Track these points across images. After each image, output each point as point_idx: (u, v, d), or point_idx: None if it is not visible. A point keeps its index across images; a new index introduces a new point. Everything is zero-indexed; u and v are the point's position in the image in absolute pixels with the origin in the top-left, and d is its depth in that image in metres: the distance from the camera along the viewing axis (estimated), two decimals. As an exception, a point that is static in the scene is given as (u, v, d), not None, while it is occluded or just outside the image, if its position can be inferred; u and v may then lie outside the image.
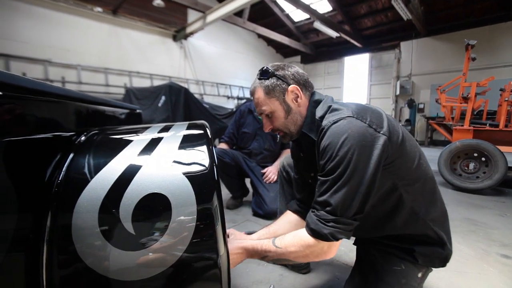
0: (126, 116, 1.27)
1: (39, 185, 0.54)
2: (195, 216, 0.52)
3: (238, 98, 8.72)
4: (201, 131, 0.69)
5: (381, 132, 0.67)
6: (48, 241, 0.49)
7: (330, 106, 0.76)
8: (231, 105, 7.97)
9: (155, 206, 0.53)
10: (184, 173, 0.56)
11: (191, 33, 7.07)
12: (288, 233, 0.76)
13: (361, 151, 0.65)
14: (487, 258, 1.35)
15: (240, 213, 2.00)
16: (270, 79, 0.81)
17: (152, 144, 0.62)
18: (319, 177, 0.71)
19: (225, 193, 2.23)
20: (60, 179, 0.55)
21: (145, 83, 6.46)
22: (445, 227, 0.80)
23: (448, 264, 1.24)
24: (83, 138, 0.69)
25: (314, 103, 0.83)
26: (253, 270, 1.23)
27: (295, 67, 0.85)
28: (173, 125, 0.73)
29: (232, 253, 0.75)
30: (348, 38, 8.07)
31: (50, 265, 0.48)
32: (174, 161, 0.58)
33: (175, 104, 2.71)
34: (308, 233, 0.69)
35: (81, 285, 0.49)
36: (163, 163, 0.58)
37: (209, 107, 3.27)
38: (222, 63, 8.62)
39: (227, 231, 0.91)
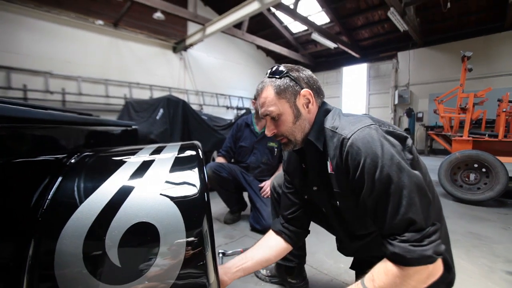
0: (121, 133, 1.26)
1: (24, 210, 0.52)
2: (184, 245, 0.50)
3: (238, 108, 8.76)
4: (193, 153, 0.68)
5: (407, 136, 0.68)
6: (30, 271, 0.47)
7: (341, 116, 0.73)
8: (230, 115, 8.01)
9: (143, 236, 0.51)
10: (173, 199, 0.54)
11: (191, 45, 7.16)
12: (372, 271, 0.63)
13: (402, 155, 0.62)
14: (492, 275, 1.31)
15: (238, 228, 1.96)
16: (283, 78, 0.74)
17: (142, 169, 0.61)
18: (368, 198, 0.63)
19: (223, 207, 2.20)
20: (45, 206, 0.54)
21: (145, 94, 6.51)
22: (449, 248, 0.77)
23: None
24: (73, 160, 0.67)
25: (324, 112, 0.77)
26: (250, 291, 1.19)
27: (309, 71, 0.79)
28: (165, 146, 0.72)
29: None
30: (346, 49, 8.19)
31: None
32: (164, 187, 0.56)
33: (173, 116, 2.71)
34: (404, 265, 0.58)
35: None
36: (152, 189, 0.56)
37: (208, 119, 3.27)
38: (221, 74, 8.70)
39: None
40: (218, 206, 2.36)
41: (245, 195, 2.11)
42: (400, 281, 0.58)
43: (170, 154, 0.67)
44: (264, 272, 1.27)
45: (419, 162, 0.70)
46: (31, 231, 0.50)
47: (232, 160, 2.18)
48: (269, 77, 0.77)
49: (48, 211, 0.53)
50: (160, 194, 0.55)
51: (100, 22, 5.79)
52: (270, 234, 0.97)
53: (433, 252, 0.56)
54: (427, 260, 0.56)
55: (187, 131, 2.73)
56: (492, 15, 6.43)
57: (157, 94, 6.44)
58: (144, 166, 0.61)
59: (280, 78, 0.75)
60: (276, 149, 2.01)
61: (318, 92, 0.79)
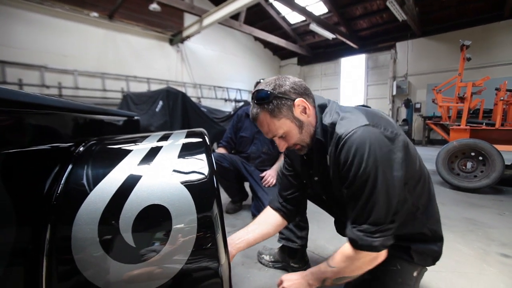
0: (124, 123, 1.27)
1: (38, 197, 0.54)
2: (196, 226, 0.52)
3: (236, 101, 8.74)
4: (200, 139, 0.69)
5: (398, 133, 0.71)
6: (48, 254, 0.49)
7: (338, 113, 0.76)
8: (228, 108, 7.99)
9: (155, 218, 0.53)
10: (183, 183, 0.56)
11: (188, 37, 7.08)
12: (337, 251, 0.77)
13: (386, 157, 0.67)
14: (486, 257, 1.36)
15: (240, 217, 1.99)
16: (273, 101, 0.75)
17: (151, 154, 0.62)
18: (348, 191, 0.72)
19: (224, 197, 2.23)
20: (59, 191, 0.55)
21: (142, 87, 6.46)
22: (438, 224, 0.83)
23: (447, 265, 1.26)
24: (81, 148, 0.68)
25: (319, 108, 0.81)
26: (254, 275, 1.22)
27: (290, 78, 0.80)
28: (172, 133, 0.74)
29: (291, 285, 0.81)
30: (344, 40, 8.13)
31: (49, 278, 0.48)
32: (174, 171, 0.58)
33: (173, 108, 2.70)
34: (356, 248, 0.70)
35: (82, 298, 0.49)
36: (163, 173, 0.57)
37: (207, 111, 3.26)
38: (219, 66, 8.64)
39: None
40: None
41: (246, 185, 2.14)
42: (350, 260, 0.72)
43: (177, 140, 0.69)
44: (267, 258, 1.30)
45: (409, 155, 0.74)
46: (47, 216, 0.52)
47: (233, 151, 2.20)
48: (258, 104, 0.77)
49: (62, 197, 0.54)
50: (171, 178, 0.57)
51: (95, 14, 5.69)
52: (269, 210, 1.03)
53: (381, 244, 0.68)
54: (373, 249, 0.68)
55: (187, 123, 2.73)
56: (490, 4, 6.39)
57: (155, 87, 6.39)
58: (153, 152, 0.63)
59: (269, 102, 0.75)
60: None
61: (307, 93, 0.80)
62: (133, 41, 6.49)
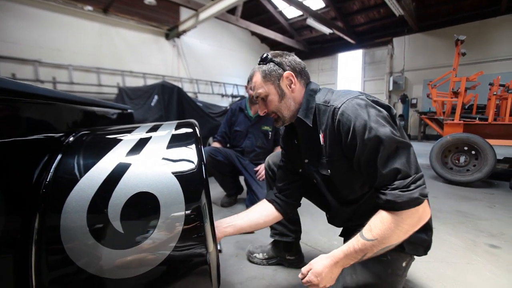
0: (117, 116, 1.26)
1: (26, 186, 0.54)
2: (184, 214, 0.53)
3: (233, 96, 8.70)
4: (190, 130, 0.70)
5: (389, 104, 0.76)
6: (37, 242, 0.50)
7: (332, 92, 0.82)
8: (225, 103, 7.96)
9: (144, 205, 0.53)
10: (172, 172, 0.57)
11: (184, 31, 7.01)
12: (369, 223, 0.70)
13: (386, 117, 0.71)
14: (475, 248, 1.39)
15: (235, 211, 2.01)
16: (267, 64, 0.85)
17: (141, 144, 0.62)
18: (360, 157, 0.70)
19: (220, 191, 2.24)
20: (48, 180, 0.55)
21: (138, 82, 6.41)
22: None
23: (437, 255, 1.29)
24: (71, 139, 0.69)
25: (311, 91, 0.86)
26: (247, 267, 1.24)
27: (293, 56, 0.88)
28: (161, 124, 0.74)
29: (319, 270, 0.74)
30: (341, 35, 8.10)
31: (39, 266, 0.49)
32: (163, 160, 0.58)
33: (168, 103, 2.69)
34: (396, 210, 0.65)
35: (71, 285, 0.50)
36: (152, 162, 0.58)
37: (203, 106, 3.25)
38: (215, 61, 8.58)
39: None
40: (215, 190, 2.40)
41: (241, 179, 2.15)
42: (394, 225, 0.66)
43: (167, 130, 0.69)
44: (260, 256, 1.27)
45: (401, 130, 0.76)
46: (35, 204, 0.52)
47: (228, 145, 2.20)
48: (258, 64, 0.88)
49: (51, 185, 0.55)
50: (160, 166, 0.57)
51: (89, 8, 5.60)
52: (263, 201, 1.05)
53: (420, 194, 0.63)
54: (416, 201, 0.63)
55: (182, 117, 2.72)
56: (487, -1, 6.39)
57: (151, 82, 6.34)
58: (142, 142, 0.63)
59: (265, 64, 0.85)
60: (270, 133, 2.04)
61: (301, 74, 0.87)
62: (129, 36, 6.41)
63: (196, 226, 0.53)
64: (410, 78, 7.98)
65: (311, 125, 0.82)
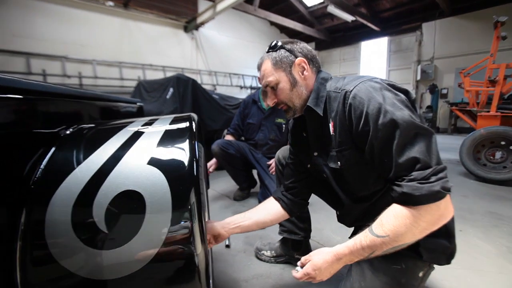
0: (126, 110, 1.26)
1: (16, 180, 0.53)
2: (170, 214, 0.50)
3: (251, 88, 8.63)
4: (185, 125, 0.66)
5: (406, 88, 0.68)
6: (22, 238, 0.48)
7: (345, 78, 0.76)
8: (244, 95, 7.91)
9: (129, 204, 0.51)
10: (161, 170, 0.53)
11: (202, 23, 7.00)
12: (381, 217, 0.62)
13: (403, 100, 0.64)
14: (510, 256, 1.24)
15: (247, 205, 1.98)
16: (278, 51, 0.81)
17: (132, 140, 0.60)
18: (373, 144, 0.63)
19: (233, 184, 2.22)
20: (38, 175, 0.54)
21: (158, 75, 6.53)
22: (452, 218, 0.73)
23: (464, 261, 1.17)
24: (67, 132, 0.68)
25: (321, 79, 0.81)
26: (254, 264, 1.21)
27: (304, 43, 0.84)
28: (157, 119, 0.71)
29: (318, 264, 0.69)
30: (364, 22, 7.66)
31: (23, 263, 0.47)
32: (152, 157, 0.55)
33: (183, 95, 2.70)
34: (413, 204, 0.57)
35: (54, 283, 0.48)
36: (140, 159, 0.55)
37: (219, 98, 3.23)
38: (234, 53, 8.51)
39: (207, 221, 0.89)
40: (228, 183, 2.39)
41: (255, 172, 2.11)
42: (410, 221, 0.57)
43: (161, 125, 0.66)
44: (268, 253, 1.23)
45: (422, 119, 0.67)
46: (23, 199, 0.51)
47: (242, 138, 2.17)
48: (267, 52, 0.84)
49: (40, 180, 0.53)
50: (148, 163, 0.54)
51: (111, 3, 5.74)
52: (270, 199, 1.01)
53: (441, 187, 0.54)
54: (436, 195, 0.55)
55: (197, 110, 2.72)
56: (534, -25, 5.70)
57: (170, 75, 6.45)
58: (134, 138, 0.61)
59: (275, 51, 0.81)
60: (284, 125, 1.96)
61: (313, 61, 0.83)
62: (148, 29, 6.52)
63: (183, 227, 0.50)
64: (441, 66, 7.40)
65: (322, 114, 0.76)
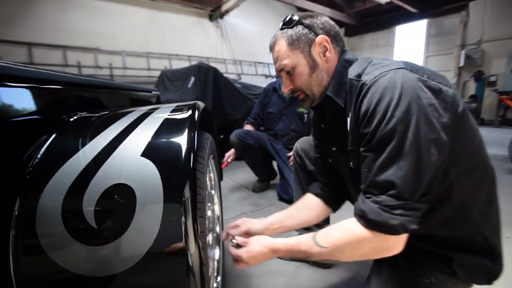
0: (141, 99, 1.25)
1: (13, 168, 0.52)
2: (161, 211, 0.45)
3: (277, 77, 8.43)
4: (186, 114, 0.61)
5: (450, 90, 0.53)
6: (16, 227, 0.47)
7: (370, 62, 0.63)
8: (268, 84, 7.77)
9: (119, 199, 0.47)
10: (153, 162, 0.49)
11: (227, 11, 6.91)
12: (331, 226, 0.60)
13: (424, 111, 0.50)
14: None
15: (265, 197, 1.93)
16: (295, 27, 0.67)
17: (129, 130, 0.56)
18: (364, 151, 0.56)
19: (253, 175, 2.18)
20: (34, 163, 0.53)
21: (183, 65, 6.57)
22: (497, 235, 0.61)
23: (509, 276, 1.01)
24: (71, 119, 0.66)
25: (344, 62, 0.68)
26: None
27: (326, 17, 0.71)
28: (159, 107, 0.67)
29: (254, 251, 0.66)
30: (400, 4, 7.01)
31: (16, 253, 0.46)
32: (146, 149, 0.51)
33: (204, 84, 2.68)
34: (365, 226, 0.53)
35: (44, 276, 0.47)
36: (134, 151, 0.51)
37: (241, 87, 3.18)
38: (259, 41, 8.32)
39: (237, 222, 0.84)
40: (248, 174, 2.36)
41: (275, 164, 2.05)
42: (355, 241, 0.55)
43: (161, 114, 0.62)
44: None
45: (464, 126, 0.55)
46: (18, 187, 0.49)
47: (262, 128, 2.10)
48: (281, 28, 0.71)
49: (35, 169, 0.52)
50: (141, 155, 0.50)
51: (139, -6, 5.86)
52: (309, 196, 0.91)
53: (400, 224, 0.49)
54: (389, 229, 0.50)
55: (218, 99, 2.70)
56: None
57: (195, 65, 6.51)
58: (130, 128, 0.57)
59: (291, 27, 0.68)
60: (306, 115, 1.86)
61: (336, 39, 0.70)
62: (174, 19, 6.58)
63: (175, 223, 0.46)
64: (489, 50, 6.60)
65: (343, 105, 0.66)
